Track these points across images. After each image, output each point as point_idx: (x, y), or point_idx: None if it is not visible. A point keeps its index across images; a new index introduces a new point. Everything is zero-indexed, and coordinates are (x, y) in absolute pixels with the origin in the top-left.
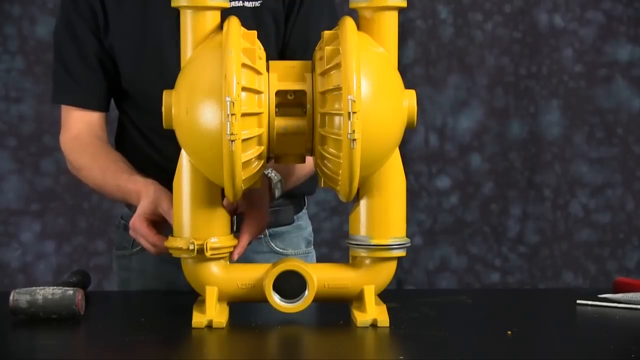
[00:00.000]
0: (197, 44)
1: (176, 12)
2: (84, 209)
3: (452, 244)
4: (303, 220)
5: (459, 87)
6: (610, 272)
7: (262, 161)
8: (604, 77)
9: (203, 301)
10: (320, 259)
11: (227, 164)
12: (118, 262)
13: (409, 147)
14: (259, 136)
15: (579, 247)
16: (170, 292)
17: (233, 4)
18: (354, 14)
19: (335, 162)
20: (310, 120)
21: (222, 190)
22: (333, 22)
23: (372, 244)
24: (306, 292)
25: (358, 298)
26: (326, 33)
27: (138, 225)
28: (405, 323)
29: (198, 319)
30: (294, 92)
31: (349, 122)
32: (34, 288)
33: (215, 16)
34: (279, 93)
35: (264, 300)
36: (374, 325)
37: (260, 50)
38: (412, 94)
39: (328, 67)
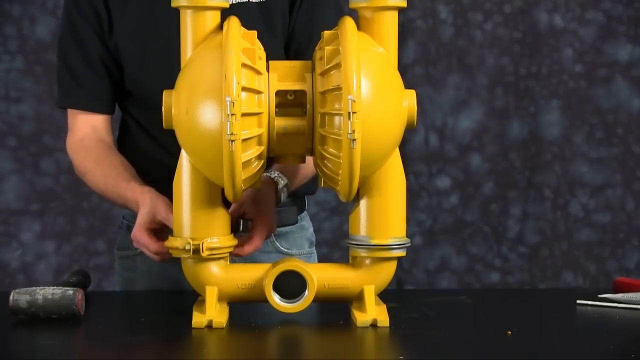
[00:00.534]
0: (197, 44)
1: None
2: (84, 209)
3: (452, 244)
4: (305, 221)
5: (459, 87)
6: (610, 272)
7: (262, 161)
8: (603, 77)
9: (203, 301)
10: (320, 259)
11: (227, 164)
12: (121, 262)
13: (409, 147)
14: (259, 136)
15: (579, 247)
16: (170, 292)
17: None
18: (354, 14)
19: (335, 162)
20: (310, 120)
21: (222, 190)
22: (337, 12)
23: (372, 244)
24: (306, 292)
25: (358, 298)
26: (326, 33)
27: (139, 236)
28: (405, 323)
29: (198, 319)
30: (294, 92)
31: (349, 122)
32: (34, 288)
33: (215, 16)
34: (279, 93)
35: (264, 300)
36: (374, 325)
37: (260, 50)
38: (412, 94)
39: (328, 67)
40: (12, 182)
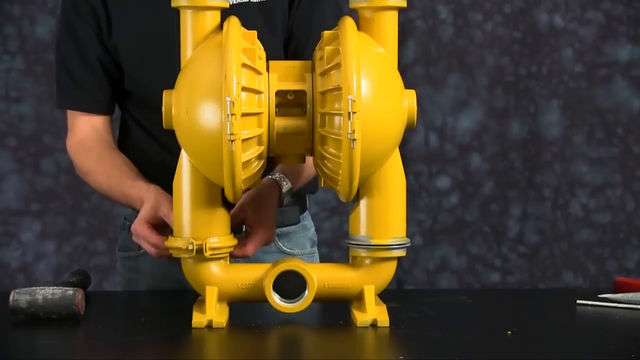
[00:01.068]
0: (197, 44)
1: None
2: (84, 209)
3: (452, 244)
4: (307, 220)
5: (459, 87)
6: (610, 272)
7: (262, 161)
8: (603, 77)
9: (203, 301)
10: (320, 259)
11: (227, 164)
12: (123, 263)
13: (409, 147)
14: (259, 136)
15: (579, 247)
16: (171, 292)
17: None
18: (354, 14)
19: (335, 162)
20: (310, 120)
21: (222, 190)
22: (337, 11)
23: (372, 244)
24: (306, 292)
25: (358, 298)
26: (326, 33)
27: (139, 229)
28: (405, 323)
29: (198, 319)
30: (294, 92)
31: (349, 122)
32: (34, 288)
33: (215, 16)
34: (279, 93)
35: (264, 300)
36: (374, 325)
37: (260, 50)
38: (412, 94)
39: (328, 67)
40: (12, 182)
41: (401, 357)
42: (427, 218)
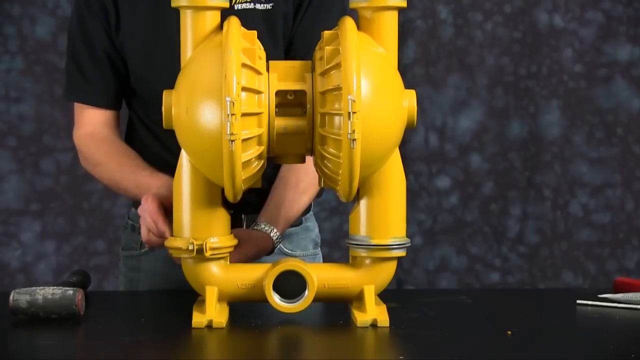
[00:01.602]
0: (197, 44)
1: None
2: (84, 209)
3: (452, 244)
4: (310, 222)
5: (459, 87)
6: (610, 272)
7: (262, 161)
8: (603, 77)
9: (203, 301)
10: None
11: (227, 164)
12: (125, 262)
13: (409, 147)
14: (259, 136)
15: (578, 247)
16: (171, 292)
17: (244, 5)
18: (354, 14)
19: (335, 162)
20: (310, 120)
21: (222, 190)
22: None
23: (372, 244)
24: (306, 292)
25: (358, 298)
26: (326, 33)
27: (150, 202)
28: (405, 323)
29: (198, 319)
30: (294, 92)
31: (349, 122)
32: (34, 288)
33: (215, 16)
34: (279, 93)
35: (264, 300)
36: (374, 325)
37: (260, 50)
38: (412, 94)
39: (328, 67)
40: (12, 182)
41: (401, 357)
42: (427, 218)
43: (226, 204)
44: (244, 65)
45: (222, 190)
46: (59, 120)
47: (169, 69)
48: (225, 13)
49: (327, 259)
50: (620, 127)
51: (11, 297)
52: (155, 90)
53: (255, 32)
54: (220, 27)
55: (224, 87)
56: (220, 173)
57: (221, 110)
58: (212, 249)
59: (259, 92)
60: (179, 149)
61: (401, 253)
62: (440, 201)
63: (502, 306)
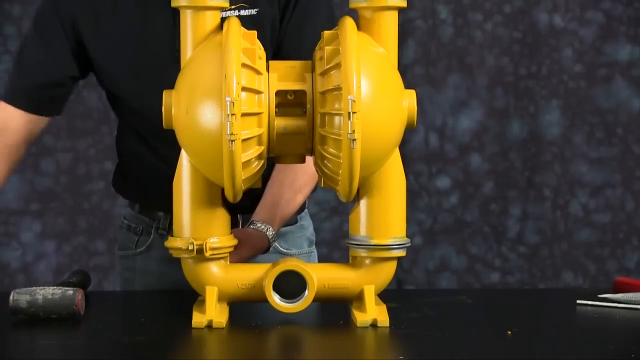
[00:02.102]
0: (197, 44)
1: (172, 22)
2: (84, 209)
3: (452, 244)
4: (305, 220)
5: (458, 87)
6: (610, 272)
7: (262, 161)
8: (603, 77)
9: (203, 301)
10: (320, 259)
11: (227, 164)
12: (121, 262)
13: (409, 147)
14: (259, 136)
15: (579, 247)
16: (171, 292)
17: (229, 13)
18: (354, 14)
19: (335, 162)
20: (310, 120)
21: (222, 190)
22: (329, 24)
23: (372, 244)
24: (306, 292)
25: (358, 298)
26: (326, 33)
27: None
28: (405, 323)
29: (198, 319)
30: (294, 92)
31: (349, 122)
32: (34, 288)
33: (215, 16)
34: (279, 93)
35: (264, 300)
36: (374, 325)
37: (260, 50)
38: (412, 94)
39: (328, 67)
40: (12, 182)
41: (401, 357)
42: (427, 218)
43: (226, 204)
44: (244, 65)
45: (222, 190)
46: (59, 120)
47: (156, 82)
48: None
49: (327, 259)
50: (620, 127)
51: (11, 297)
52: (143, 101)
53: (255, 32)
54: (220, 27)
55: (224, 87)
56: (220, 173)
57: (221, 110)
58: (212, 249)
59: (259, 92)
60: (169, 156)
61: (401, 253)
62: (440, 201)
63: (502, 306)
